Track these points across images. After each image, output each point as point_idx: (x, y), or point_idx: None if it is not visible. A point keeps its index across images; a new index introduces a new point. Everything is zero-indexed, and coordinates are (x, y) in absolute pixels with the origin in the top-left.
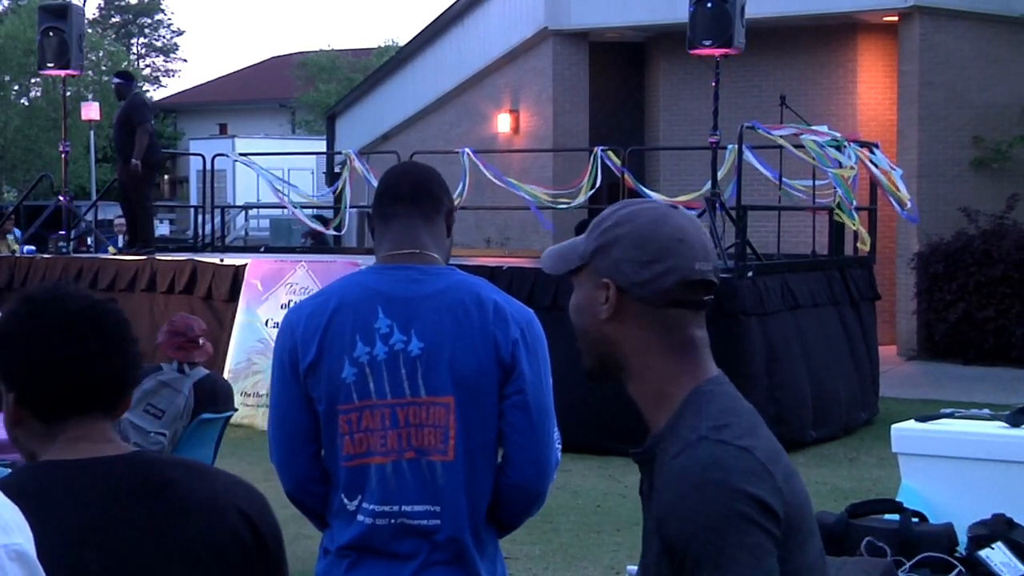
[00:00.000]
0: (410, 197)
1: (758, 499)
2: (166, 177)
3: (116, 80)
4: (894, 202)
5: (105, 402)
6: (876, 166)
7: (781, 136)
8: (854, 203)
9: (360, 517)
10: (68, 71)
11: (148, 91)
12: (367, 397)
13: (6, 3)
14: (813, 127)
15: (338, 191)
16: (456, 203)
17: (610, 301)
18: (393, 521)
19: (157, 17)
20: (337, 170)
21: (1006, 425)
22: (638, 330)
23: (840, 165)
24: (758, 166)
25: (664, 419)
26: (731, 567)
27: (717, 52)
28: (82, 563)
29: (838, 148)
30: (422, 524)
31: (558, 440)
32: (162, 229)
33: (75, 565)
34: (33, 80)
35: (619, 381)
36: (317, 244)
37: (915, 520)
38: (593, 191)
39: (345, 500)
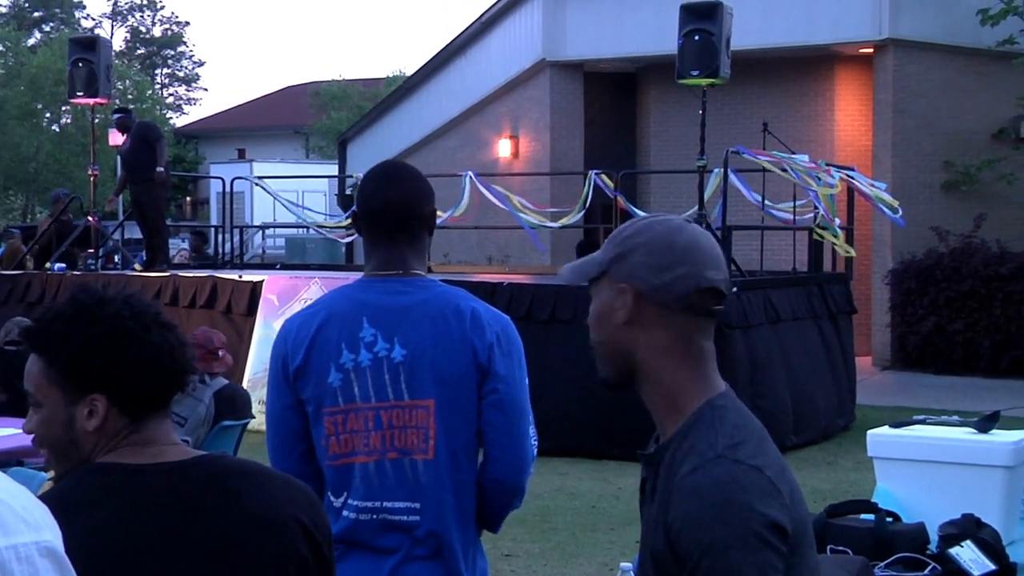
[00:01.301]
0: (397, 222)
1: (771, 519)
2: (187, 199)
3: (117, 115)
4: (885, 209)
5: (175, 393)
6: (859, 183)
7: (766, 161)
8: (836, 220)
9: (345, 513)
10: (96, 99)
11: (171, 118)
12: (351, 401)
13: (39, 36)
14: (794, 156)
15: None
16: (458, 217)
17: (627, 305)
18: (375, 517)
19: (180, 49)
20: (348, 192)
21: (974, 431)
22: (653, 334)
23: (819, 181)
24: (742, 189)
25: (674, 426)
26: None
27: (704, 82)
28: (138, 570)
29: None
30: (402, 520)
31: (534, 437)
32: (184, 247)
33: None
34: (64, 108)
35: (635, 388)
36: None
37: (889, 520)
38: (584, 210)
39: (332, 497)
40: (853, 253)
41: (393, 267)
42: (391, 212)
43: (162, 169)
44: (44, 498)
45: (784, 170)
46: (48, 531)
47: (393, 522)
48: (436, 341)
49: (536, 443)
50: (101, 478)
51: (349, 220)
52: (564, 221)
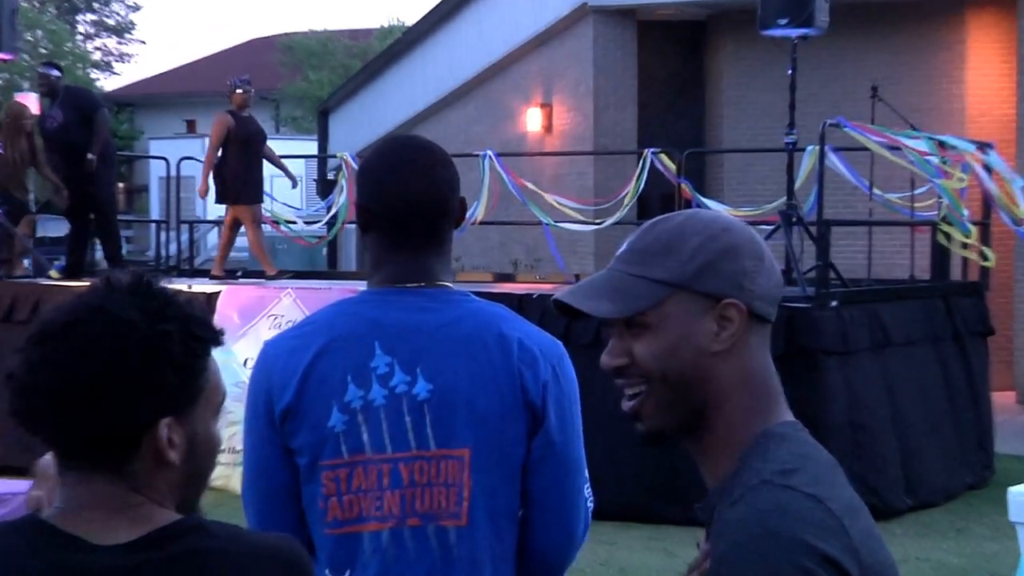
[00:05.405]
0: (423, 225)
1: (827, 556)
2: (120, 185)
3: (46, 70)
4: (1006, 218)
5: (99, 456)
6: (989, 171)
7: (874, 141)
8: (965, 215)
9: None
10: None
11: (97, 79)
12: (359, 451)
13: None
14: (912, 134)
15: (333, 205)
16: (475, 219)
17: (736, 324)
18: None
19: None
20: (331, 176)
21: None
22: (744, 357)
23: (946, 174)
24: (844, 172)
25: (729, 467)
26: None
27: (794, 33)
28: None
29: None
30: None
31: (589, 499)
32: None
33: None
34: None
35: (686, 437)
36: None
37: None
38: (631, 203)
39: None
40: (991, 262)
41: (413, 279)
42: (416, 212)
43: (93, 157)
44: None
45: (894, 149)
46: None
47: None
48: (472, 373)
49: (591, 505)
50: (28, 542)
51: (330, 215)
52: (610, 220)
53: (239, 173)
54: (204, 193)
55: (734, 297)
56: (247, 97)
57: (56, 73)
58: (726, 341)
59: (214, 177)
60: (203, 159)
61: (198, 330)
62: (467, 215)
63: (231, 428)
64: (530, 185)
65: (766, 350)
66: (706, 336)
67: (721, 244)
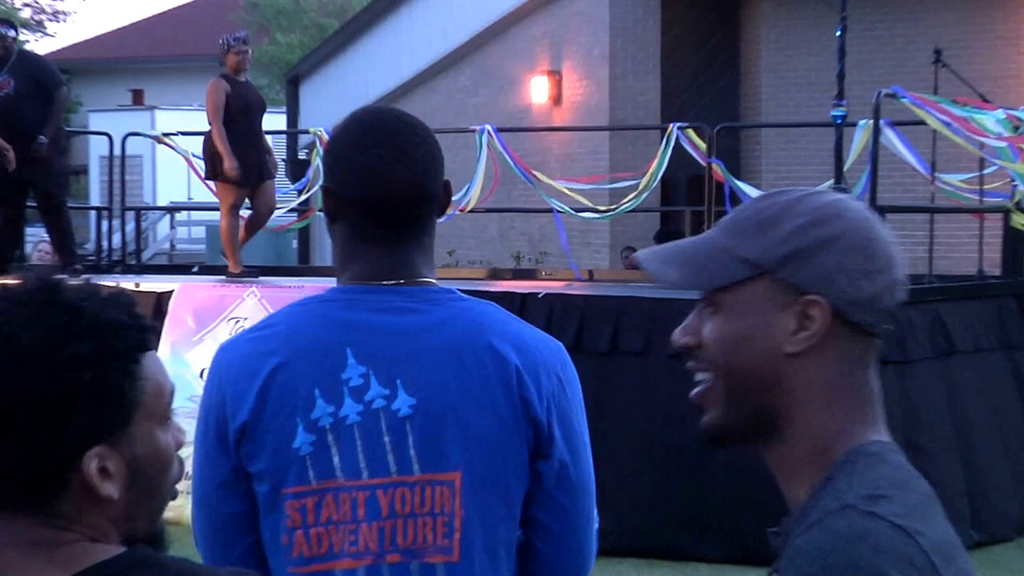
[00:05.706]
0: (404, 213)
1: None
2: None
3: (11, 32)
4: None
5: (15, 496)
6: None
7: (936, 118)
8: None
9: None
10: None
11: (27, 42)
12: (330, 476)
13: None
14: (979, 107)
15: (307, 188)
16: (467, 204)
17: (818, 326)
18: None
19: None
20: (302, 155)
21: None
22: (826, 365)
23: (1021, 153)
24: (902, 150)
25: (809, 489)
26: None
27: None
28: None
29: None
30: None
31: (596, 520)
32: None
33: None
34: None
35: (751, 444)
36: None
37: None
38: (653, 186)
39: None
40: None
41: (391, 276)
42: (392, 198)
43: (44, 140)
44: None
45: (947, 125)
46: None
47: None
48: (463, 384)
49: (597, 524)
50: None
51: (303, 198)
52: (624, 206)
53: (236, 148)
54: (232, 172)
55: (820, 294)
56: (243, 59)
57: (12, 33)
58: (801, 343)
59: (203, 152)
60: (152, 135)
61: (118, 342)
62: (455, 199)
63: (183, 451)
64: (537, 174)
65: (863, 364)
66: (781, 333)
67: (824, 232)
